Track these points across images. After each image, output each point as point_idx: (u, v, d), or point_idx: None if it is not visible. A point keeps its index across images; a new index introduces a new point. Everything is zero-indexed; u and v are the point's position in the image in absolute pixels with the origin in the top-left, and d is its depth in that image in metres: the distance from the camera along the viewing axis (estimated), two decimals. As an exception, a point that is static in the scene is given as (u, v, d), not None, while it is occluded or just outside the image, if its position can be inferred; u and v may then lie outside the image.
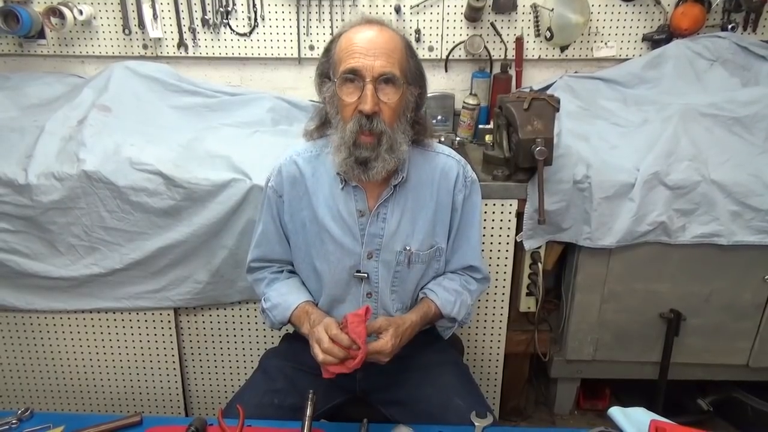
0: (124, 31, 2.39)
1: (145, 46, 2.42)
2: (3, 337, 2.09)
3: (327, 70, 1.33)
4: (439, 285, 1.46)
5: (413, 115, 1.36)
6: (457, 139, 2.34)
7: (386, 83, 1.25)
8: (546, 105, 1.85)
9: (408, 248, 1.40)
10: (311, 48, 2.43)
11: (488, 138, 2.20)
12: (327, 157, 1.38)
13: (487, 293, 2.09)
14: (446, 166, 1.44)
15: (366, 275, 1.41)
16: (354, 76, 1.24)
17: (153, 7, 2.35)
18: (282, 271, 1.53)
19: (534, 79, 2.48)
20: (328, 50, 1.34)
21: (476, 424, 1.23)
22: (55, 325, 2.07)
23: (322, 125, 1.42)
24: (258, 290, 1.54)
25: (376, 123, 1.26)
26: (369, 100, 1.23)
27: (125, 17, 2.36)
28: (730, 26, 2.36)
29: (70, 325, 2.07)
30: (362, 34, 1.26)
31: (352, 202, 1.38)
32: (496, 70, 2.44)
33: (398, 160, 1.32)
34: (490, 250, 2.03)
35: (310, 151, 1.44)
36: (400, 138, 1.31)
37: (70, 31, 2.37)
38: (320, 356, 1.21)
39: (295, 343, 1.54)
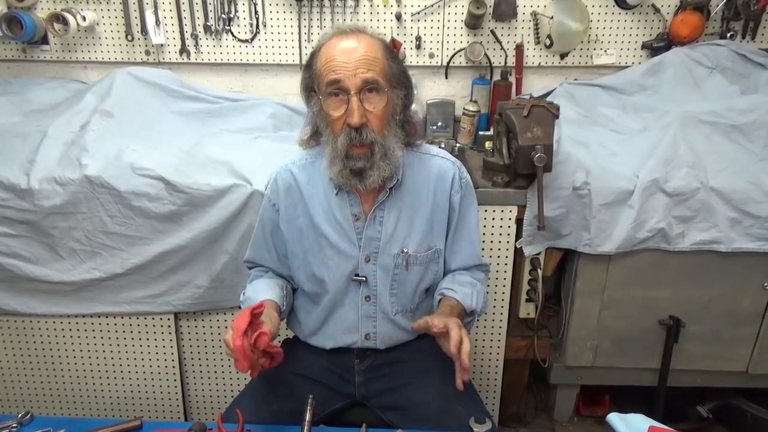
0: (126, 37, 2.40)
1: (147, 52, 2.43)
2: (4, 341, 2.09)
3: (311, 84, 1.34)
4: (453, 281, 1.46)
5: (402, 117, 1.37)
6: (458, 145, 2.35)
7: (370, 92, 1.26)
8: (546, 112, 1.86)
9: (405, 250, 1.41)
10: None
11: (488, 144, 2.21)
12: (322, 163, 1.39)
13: (486, 300, 2.09)
14: (442, 168, 1.45)
15: (364, 279, 1.42)
16: (338, 89, 1.25)
17: (155, 13, 2.36)
18: (268, 272, 1.53)
19: (534, 86, 2.49)
20: (309, 65, 1.34)
21: (475, 429, 1.23)
22: (55, 329, 2.08)
23: (316, 133, 1.43)
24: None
25: (366, 134, 1.27)
26: (356, 113, 1.24)
27: (128, 23, 2.38)
28: (729, 34, 2.37)
29: (70, 330, 2.08)
30: (341, 45, 1.27)
31: (347, 207, 1.39)
32: (497, 77, 2.45)
33: (393, 167, 1.33)
34: (490, 256, 2.03)
35: (305, 158, 1.45)
36: (392, 144, 1.32)
37: (73, 37, 2.38)
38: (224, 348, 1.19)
39: (295, 348, 1.55)
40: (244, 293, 1.47)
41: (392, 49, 1.36)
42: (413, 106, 1.44)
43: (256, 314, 1.17)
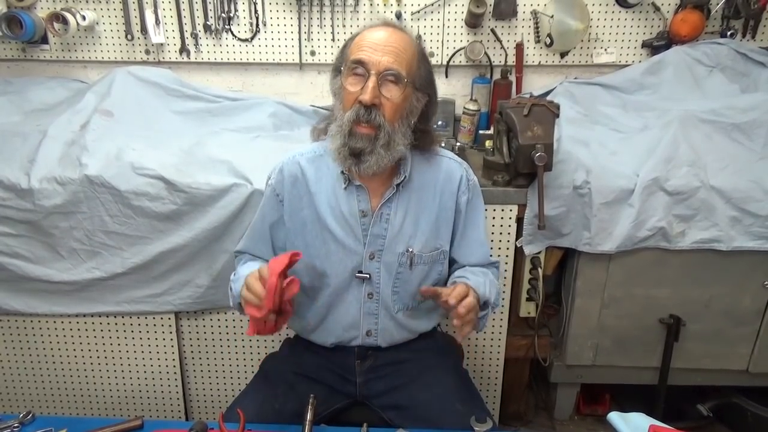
0: (126, 36, 2.40)
1: (147, 52, 2.43)
2: (5, 341, 2.09)
3: (339, 65, 1.35)
4: (465, 271, 1.46)
5: (418, 123, 1.38)
6: (458, 144, 2.35)
7: (391, 81, 1.27)
8: (546, 111, 1.86)
9: (410, 250, 1.41)
10: (312, 53, 2.44)
11: (488, 143, 2.21)
12: (330, 157, 1.39)
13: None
14: (449, 169, 1.45)
15: (368, 276, 1.42)
16: (361, 68, 1.27)
17: (155, 12, 2.36)
18: (260, 259, 1.51)
19: (534, 84, 2.49)
20: (343, 47, 1.37)
21: (476, 428, 1.23)
22: (56, 329, 2.08)
23: (330, 123, 1.42)
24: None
25: (375, 115, 1.27)
26: (369, 91, 1.25)
27: (128, 23, 2.38)
28: (729, 33, 2.37)
29: (71, 329, 2.08)
30: (376, 33, 1.30)
31: (355, 202, 1.39)
32: (497, 75, 2.45)
33: (392, 159, 1.33)
34: (490, 255, 2.03)
35: (314, 151, 1.45)
36: (398, 138, 1.31)
37: (73, 37, 2.38)
38: (243, 291, 1.22)
39: (296, 347, 1.55)
40: (235, 274, 1.44)
41: (426, 55, 1.38)
42: (433, 120, 1.45)
43: (293, 261, 1.18)
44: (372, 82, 1.25)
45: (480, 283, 1.38)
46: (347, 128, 1.29)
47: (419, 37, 2.40)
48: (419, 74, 1.33)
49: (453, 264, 1.52)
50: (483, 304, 1.39)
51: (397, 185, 1.39)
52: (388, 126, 1.29)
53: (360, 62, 1.27)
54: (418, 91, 1.34)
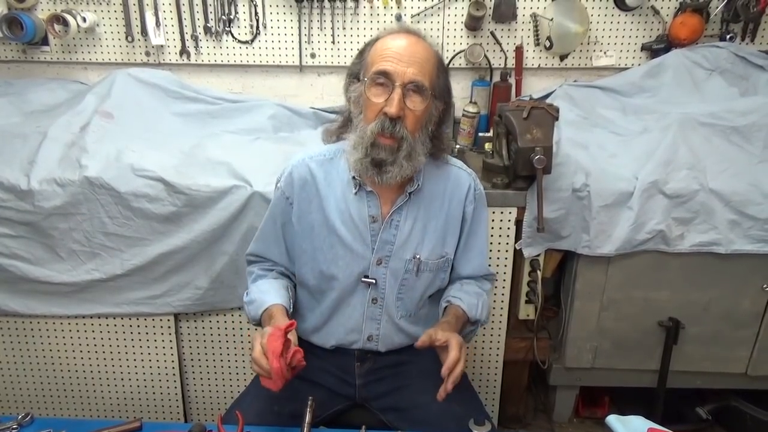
0: (126, 38, 2.40)
1: (147, 53, 2.44)
2: (3, 342, 2.09)
3: (358, 71, 1.35)
4: (461, 290, 1.47)
5: (434, 129, 1.38)
6: (457, 147, 2.35)
7: (414, 92, 1.27)
8: (545, 114, 1.86)
9: (417, 256, 1.41)
10: (312, 56, 2.44)
11: (488, 146, 2.21)
12: (341, 161, 1.40)
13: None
14: (458, 177, 1.46)
15: (374, 281, 1.42)
16: (384, 78, 1.27)
17: (156, 14, 2.36)
18: (272, 270, 1.52)
19: (533, 87, 2.50)
20: (362, 52, 1.36)
21: (474, 431, 1.23)
22: (55, 330, 2.08)
23: (344, 126, 1.43)
24: (247, 283, 1.54)
25: (399, 128, 1.28)
26: (396, 103, 1.25)
27: (128, 24, 2.38)
28: (728, 36, 2.37)
29: (70, 331, 2.08)
30: (399, 41, 1.29)
31: (365, 208, 1.39)
32: (496, 78, 2.45)
33: (413, 170, 1.34)
34: (490, 258, 2.03)
35: (324, 154, 1.45)
36: (419, 148, 1.32)
37: (74, 38, 2.39)
38: (252, 364, 1.19)
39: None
40: (248, 293, 1.46)
41: (443, 62, 1.38)
42: (446, 126, 1.46)
43: (288, 332, 1.18)
44: (397, 94, 1.25)
45: (473, 305, 1.44)
46: (370, 140, 1.29)
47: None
48: (438, 83, 1.34)
49: (451, 271, 1.52)
50: (473, 322, 1.45)
51: (410, 193, 1.39)
52: (410, 137, 1.30)
53: (384, 73, 1.26)
54: (437, 100, 1.35)
